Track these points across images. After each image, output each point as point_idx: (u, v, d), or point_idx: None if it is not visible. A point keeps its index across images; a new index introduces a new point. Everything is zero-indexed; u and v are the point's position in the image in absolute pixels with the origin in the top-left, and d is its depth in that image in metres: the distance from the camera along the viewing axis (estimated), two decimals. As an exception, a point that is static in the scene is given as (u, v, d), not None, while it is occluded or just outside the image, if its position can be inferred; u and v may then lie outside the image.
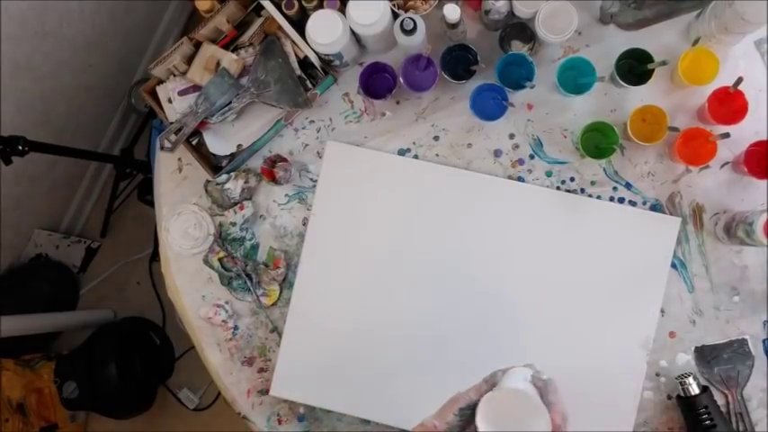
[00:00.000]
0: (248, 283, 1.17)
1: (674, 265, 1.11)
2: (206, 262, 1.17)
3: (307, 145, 1.19)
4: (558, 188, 1.14)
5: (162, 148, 1.15)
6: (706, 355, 1.10)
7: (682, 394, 1.06)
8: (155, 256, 2.03)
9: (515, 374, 0.77)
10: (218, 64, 1.13)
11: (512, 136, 1.15)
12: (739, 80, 1.00)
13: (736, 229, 1.04)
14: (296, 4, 1.10)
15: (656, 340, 1.10)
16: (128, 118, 2.08)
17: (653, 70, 1.05)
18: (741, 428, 1.08)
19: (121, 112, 2.04)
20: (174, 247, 1.19)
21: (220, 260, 1.16)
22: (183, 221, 1.19)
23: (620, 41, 1.11)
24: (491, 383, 0.78)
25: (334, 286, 1.15)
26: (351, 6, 1.05)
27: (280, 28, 1.13)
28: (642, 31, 1.13)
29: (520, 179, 1.14)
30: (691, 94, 1.11)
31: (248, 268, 1.16)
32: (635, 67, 1.07)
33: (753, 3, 0.95)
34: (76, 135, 1.83)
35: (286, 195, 1.19)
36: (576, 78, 1.08)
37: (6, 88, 1.49)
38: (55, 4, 1.50)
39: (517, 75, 1.09)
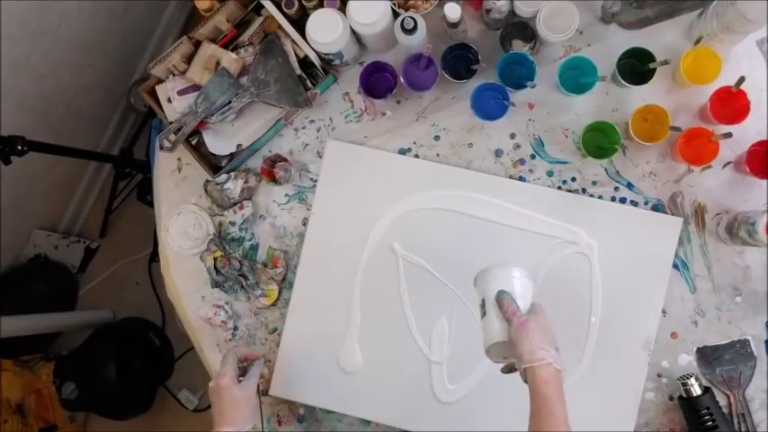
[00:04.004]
0: (239, 285, 1.16)
1: (675, 266, 1.11)
2: (202, 260, 1.17)
3: (307, 144, 1.19)
4: (559, 188, 1.13)
5: (161, 147, 1.14)
6: (708, 355, 1.10)
7: (684, 395, 1.06)
8: (154, 257, 2.03)
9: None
10: (217, 63, 1.12)
11: (513, 135, 1.15)
12: (741, 80, 1.00)
13: (738, 230, 1.03)
14: (296, 3, 1.10)
15: (657, 341, 1.09)
16: (127, 117, 2.07)
17: (655, 69, 1.04)
18: (743, 429, 1.08)
19: (121, 111, 2.03)
20: (173, 247, 1.19)
21: (215, 260, 1.16)
22: (182, 221, 1.18)
23: (622, 41, 1.11)
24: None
25: (334, 286, 1.14)
26: (351, 5, 1.05)
27: (280, 27, 1.12)
28: (644, 30, 1.12)
29: (521, 179, 1.14)
30: (693, 93, 1.10)
31: (244, 269, 1.15)
32: (636, 67, 1.07)
33: (755, 2, 0.95)
34: (76, 135, 1.82)
35: (286, 195, 1.18)
36: (577, 78, 1.08)
37: (5, 88, 1.48)
38: (54, 4, 1.49)
39: (518, 74, 1.09)
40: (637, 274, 1.10)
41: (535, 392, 0.84)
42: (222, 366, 1.00)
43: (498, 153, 1.15)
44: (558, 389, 0.84)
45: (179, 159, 1.21)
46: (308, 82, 1.15)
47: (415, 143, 1.16)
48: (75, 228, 2.11)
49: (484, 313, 0.92)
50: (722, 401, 1.08)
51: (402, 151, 1.17)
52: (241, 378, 1.00)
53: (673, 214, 1.12)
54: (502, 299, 0.90)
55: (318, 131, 1.19)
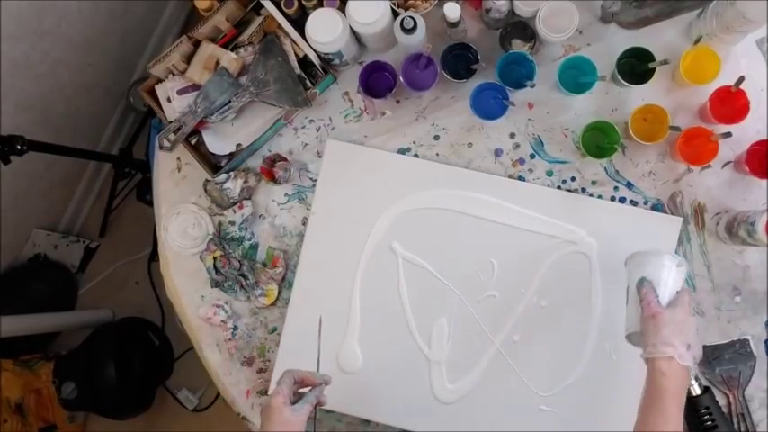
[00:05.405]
0: (239, 284, 1.16)
1: (675, 265, 1.11)
2: (202, 260, 1.17)
3: (306, 144, 1.19)
4: (558, 187, 1.13)
5: (161, 147, 1.14)
6: (707, 355, 1.10)
7: (683, 395, 1.06)
8: (154, 256, 2.02)
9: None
10: (217, 63, 1.12)
11: (512, 135, 1.15)
12: (741, 79, 1.00)
13: (737, 229, 1.03)
14: (295, 2, 1.10)
15: (657, 340, 1.09)
16: (126, 117, 2.07)
17: (654, 69, 1.04)
18: (743, 429, 1.08)
19: (120, 111, 2.03)
20: (173, 246, 1.18)
21: (214, 259, 1.16)
22: (182, 221, 1.18)
23: (622, 40, 1.11)
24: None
25: (333, 286, 1.14)
26: (351, 5, 1.05)
27: (279, 27, 1.12)
28: (643, 29, 1.12)
29: (520, 178, 1.14)
30: (692, 93, 1.10)
31: (244, 268, 1.15)
32: (636, 66, 1.07)
33: (754, 2, 0.95)
34: (75, 134, 1.82)
35: (285, 195, 1.18)
36: (576, 77, 1.08)
37: (5, 87, 1.48)
38: (53, 4, 1.49)
39: (518, 74, 1.09)
40: (636, 273, 1.10)
41: (650, 385, 0.82)
42: (277, 385, 0.91)
43: (498, 153, 1.15)
44: (677, 385, 0.81)
45: (178, 159, 1.21)
46: (307, 81, 1.15)
47: (414, 143, 1.16)
48: (74, 227, 2.11)
49: (628, 300, 0.95)
50: (722, 401, 1.08)
51: (402, 151, 1.17)
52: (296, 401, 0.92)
53: (672, 214, 1.12)
54: (641, 288, 0.91)
55: (318, 131, 1.19)
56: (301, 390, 0.95)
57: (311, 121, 1.19)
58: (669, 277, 0.92)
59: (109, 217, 2.06)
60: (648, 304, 0.88)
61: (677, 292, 0.92)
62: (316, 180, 1.17)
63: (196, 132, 1.17)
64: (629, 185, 1.12)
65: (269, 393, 1.14)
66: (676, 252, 1.10)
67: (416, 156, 1.16)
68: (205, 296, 1.18)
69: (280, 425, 0.87)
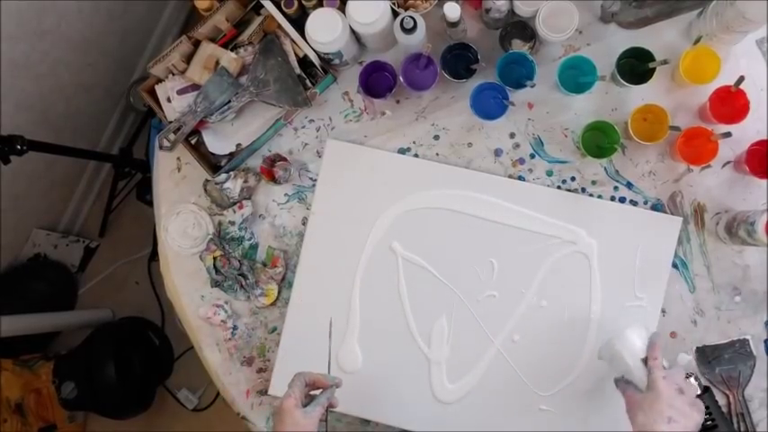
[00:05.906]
0: (238, 284, 1.16)
1: (675, 265, 1.11)
2: (202, 260, 1.17)
3: (306, 144, 1.19)
4: (558, 187, 1.13)
5: (161, 147, 1.14)
6: (707, 355, 1.10)
7: (683, 394, 1.06)
8: (153, 256, 2.03)
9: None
10: (217, 63, 1.12)
11: (512, 135, 1.15)
12: (741, 79, 1.00)
13: (737, 229, 1.03)
14: (295, 2, 1.10)
15: (657, 340, 1.09)
16: (126, 117, 2.07)
17: (654, 69, 1.04)
18: (742, 429, 1.08)
19: (120, 111, 2.03)
20: (173, 246, 1.18)
21: (214, 259, 1.16)
22: (181, 221, 1.18)
23: (622, 40, 1.11)
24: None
25: (333, 286, 1.14)
26: (350, 5, 1.05)
27: (279, 26, 1.12)
28: (643, 29, 1.12)
29: (520, 178, 1.14)
30: (692, 93, 1.10)
31: (244, 268, 1.15)
32: (636, 66, 1.07)
33: (754, 2, 0.95)
34: (75, 134, 1.82)
35: (285, 195, 1.18)
36: (576, 77, 1.08)
37: (5, 87, 1.48)
38: (53, 4, 1.49)
39: (518, 73, 1.09)
40: (636, 273, 1.10)
41: None
42: (288, 388, 0.93)
43: (498, 152, 1.15)
44: None
45: (178, 159, 1.21)
46: (307, 81, 1.15)
47: (414, 143, 1.16)
48: (74, 227, 2.11)
49: None
50: (721, 401, 1.08)
51: (402, 151, 1.17)
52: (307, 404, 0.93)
53: (672, 214, 1.12)
54: (618, 387, 0.96)
55: (318, 131, 1.19)
56: (312, 392, 0.96)
57: (311, 120, 1.19)
58: (635, 360, 0.93)
59: (109, 217, 2.06)
60: (627, 400, 0.93)
61: (647, 368, 0.92)
62: (316, 180, 1.17)
63: (196, 132, 1.17)
64: (629, 185, 1.13)
65: (269, 394, 1.14)
66: (676, 252, 1.10)
67: (416, 156, 1.16)
68: (205, 296, 1.18)
69: (292, 427, 0.88)
